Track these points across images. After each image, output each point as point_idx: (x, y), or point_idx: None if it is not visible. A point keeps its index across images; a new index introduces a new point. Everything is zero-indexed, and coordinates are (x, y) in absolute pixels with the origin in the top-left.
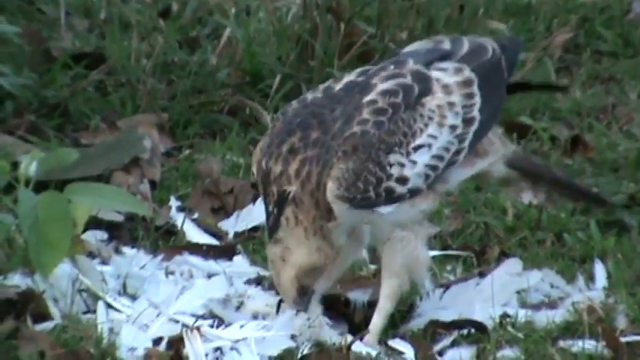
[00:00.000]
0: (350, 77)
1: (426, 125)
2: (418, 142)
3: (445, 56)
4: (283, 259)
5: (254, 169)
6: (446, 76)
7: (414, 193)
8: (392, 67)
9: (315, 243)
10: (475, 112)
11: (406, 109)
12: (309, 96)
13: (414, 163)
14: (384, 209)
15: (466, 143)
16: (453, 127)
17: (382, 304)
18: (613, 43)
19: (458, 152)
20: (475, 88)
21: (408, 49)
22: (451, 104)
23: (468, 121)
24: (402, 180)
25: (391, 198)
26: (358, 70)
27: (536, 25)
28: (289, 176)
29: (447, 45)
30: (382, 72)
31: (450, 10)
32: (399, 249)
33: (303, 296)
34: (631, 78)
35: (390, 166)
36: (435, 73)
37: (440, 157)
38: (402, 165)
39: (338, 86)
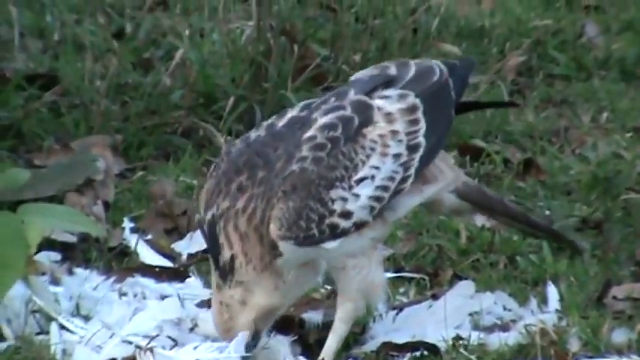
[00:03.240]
0: (293, 112)
1: (368, 157)
2: (360, 174)
3: (390, 82)
4: (243, 301)
5: (200, 211)
6: (388, 104)
7: (359, 225)
8: (333, 99)
9: (271, 281)
10: (420, 138)
11: (346, 142)
12: (253, 135)
13: (357, 196)
14: (330, 244)
15: (412, 170)
16: (396, 156)
17: (337, 327)
18: (566, 67)
19: (404, 180)
20: (420, 114)
21: (355, 76)
22: (394, 132)
23: (412, 148)
24: (346, 214)
25: (336, 233)
26: (302, 103)
27: (490, 48)
28: (237, 211)
29: (392, 70)
30: (323, 105)
31: (403, 33)
32: (353, 275)
33: (254, 339)
34: (584, 101)
35: (332, 201)
36: (377, 102)
37: (384, 188)
38: (344, 199)
39: (281, 123)
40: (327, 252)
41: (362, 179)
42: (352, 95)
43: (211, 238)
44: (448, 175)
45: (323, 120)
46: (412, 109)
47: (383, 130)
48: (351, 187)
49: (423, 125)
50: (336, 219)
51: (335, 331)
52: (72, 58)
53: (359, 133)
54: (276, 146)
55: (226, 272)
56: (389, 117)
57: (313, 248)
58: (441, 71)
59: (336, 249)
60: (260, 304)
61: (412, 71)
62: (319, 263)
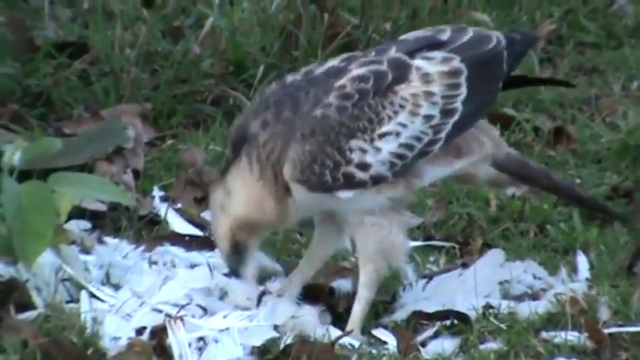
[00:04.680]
0: (334, 62)
1: (396, 113)
2: (385, 129)
3: (436, 45)
4: (222, 207)
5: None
6: (429, 65)
7: (377, 180)
8: (373, 53)
9: (259, 194)
10: (457, 104)
11: (375, 96)
12: (289, 78)
13: (378, 150)
14: (344, 194)
15: (442, 134)
16: (427, 117)
17: (361, 293)
18: (596, 35)
19: (432, 142)
20: (462, 79)
21: (404, 36)
22: (429, 93)
23: (447, 112)
24: (363, 166)
25: (351, 183)
26: (344, 55)
27: (520, 17)
28: (257, 144)
29: (446, 34)
30: (362, 58)
31: (433, 1)
32: (371, 233)
33: (236, 254)
34: (614, 69)
35: (351, 151)
36: (417, 62)
37: (409, 146)
38: (363, 151)
39: (319, 70)
40: (342, 203)
41: (386, 134)
42: (392, 52)
43: (235, 143)
44: (487, 147)
45: (356, 71)
46: (454, 73)
47: (416, 90)
48: (372, 140)
49: (463, 91)
50: (352, 169)
51: (359, 298)
52: (102, 27)
53: (390, 89)
54: (309, 90)
55: (222, 172)
56: (426, 77)
57: (327, 196)
58: (498, 41)
59: (351, 201)
60: (236, 212)
61: (466, 37)
62: (340, 220)
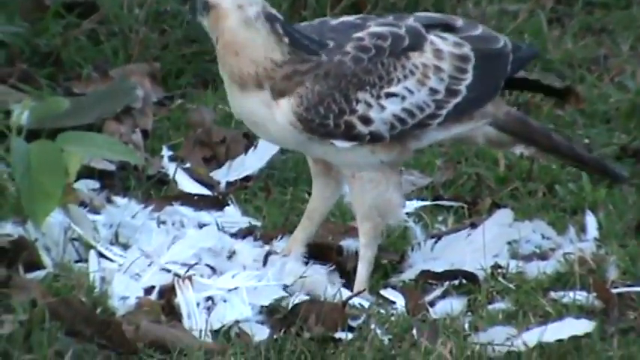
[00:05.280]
0: (348, 18)
1: (405, 77)
2: (392, 89)
3: (450, 29)
4: None
5: None
6: (442, 43)
7: (375, 137)
8: (391, 18)
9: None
10: (462, 87)
11: (390, 56)
12: (302, 24)
13: (383, 107)
14: (341, 143)
15: (443, 112)
16: (433, 90)
17: (363, 253)
18: None
19: (433, 116)
20: (469, 66)
21: (418, 14)
22: (438, 68)
23: (451, 92)
24: (365, 120)
25: (350, 134)
26: (358, 15)
27: None
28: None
29: (459, 23)
30: (380, 19)
31: None
32: (368, 189)
33: None
34: (623, 29)
35: (357, 102)
36: (432, 37)
37: (411, 113)
38: (369, 105)
39: (334, 21)
40: (337, 154)
41: (392, 94)
42: (411, 21)
43: None
44: (487, 114)
45: (375, 28)
46: (463, 58)
47: (428, 61)
48: (379, 97)
49: (469, 77)
50: (354, 119)
51: (362, 258)
52: None
53: (405, 53)
54: (327, 34)
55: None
56: (438, 53)
57: (324, 143)
58: (505, 44)
59: (346, 154)
60: None
61: (478, 31)
62: (337, 172)
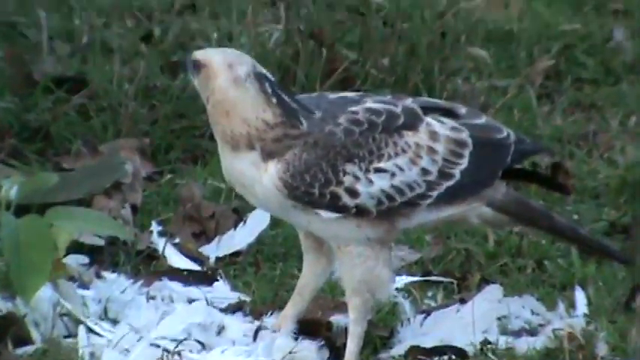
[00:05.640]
0: (347, 93)
1: (397, 154)
2: (382, 165)
3: (453, 116)
4: None
5: None
6: (438, 126)
7: (360, 211)
8: (389, 97)
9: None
10: (456, 171)
11: (382, 132)
12: (302, 95)
13: (371, 182)
14: (325, 214)
15: (434, 193)
16: (424, 171)
17: (352, 330)
18: (594, 71)
19: (422, 196)
20: (466, 152)
21: (421, 99)
22: (432, 150)
23: (444, 175)
24: (352, 192)
25: (335, 205)
26: (359, 92)
27: (518, 52)
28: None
29: (462, 110)
30: (378, 97)
31: (431, 36)
32: (357, 264)
33: None
34: (612, 105)
35: (345, 173)
36: (429, 119)
37: (400, 191)
38: (356, 178)
39: (333, 95)
40: (323, 225)
41: (382, 170)
42: (408, 102)
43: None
44: (482, 195)
45: (371, 104)
46: (460, 143)
47: (422, 141)
48: (367, 171)
49: (464, 162)
50: (340, 190)
51: (352, 334)
52: (100, 61)
53: (398, 131)
54: (324, 107)
55: None
56: (433, 135)
57: (310, 212)
58: (507, 135)
59: (332, 225)
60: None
61: (481, 120)
62: (328, 249)
